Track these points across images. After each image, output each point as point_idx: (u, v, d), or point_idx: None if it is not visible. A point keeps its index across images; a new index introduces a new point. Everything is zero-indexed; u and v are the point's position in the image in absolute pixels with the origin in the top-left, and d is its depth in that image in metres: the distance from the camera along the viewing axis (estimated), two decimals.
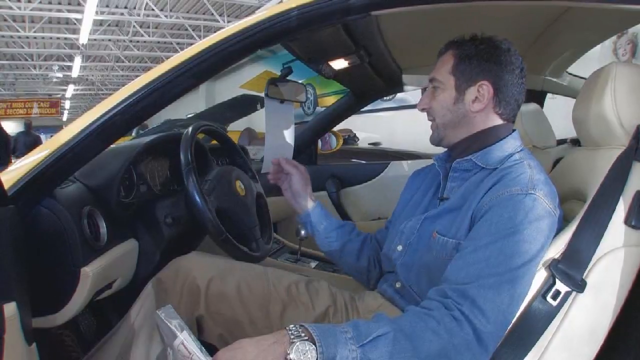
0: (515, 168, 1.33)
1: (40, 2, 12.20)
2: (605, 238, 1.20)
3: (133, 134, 8.22)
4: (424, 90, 1.65)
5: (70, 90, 25.10)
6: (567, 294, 1.18)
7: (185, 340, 1.06)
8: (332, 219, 1.81)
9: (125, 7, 13.40)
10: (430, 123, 1.52)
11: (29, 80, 23.26)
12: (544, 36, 2.16)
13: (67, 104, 28.72)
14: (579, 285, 1.18)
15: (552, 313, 1.19)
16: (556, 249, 1.23)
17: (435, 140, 1.53)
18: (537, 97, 2.84)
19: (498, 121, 1.45)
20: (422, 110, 1.53)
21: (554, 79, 2.79)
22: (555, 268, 1.19)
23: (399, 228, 1.56)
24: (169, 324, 1.10)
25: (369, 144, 10.09)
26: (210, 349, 1.12)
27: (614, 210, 1.21)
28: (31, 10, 12.39)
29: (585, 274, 1.19)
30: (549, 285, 1.19)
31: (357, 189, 3.17)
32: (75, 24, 13.71)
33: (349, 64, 2.13)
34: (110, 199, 1.59)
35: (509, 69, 1.42)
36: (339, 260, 1.82)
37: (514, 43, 1.45)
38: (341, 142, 4.83)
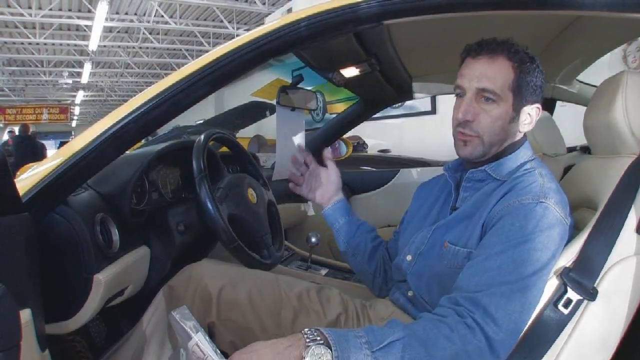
0: (527, 177, 1.33)
1: (50, 9, 12.26)
2: (617, 246, 1.20)
3: (142, 140, 8.21)
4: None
5: (80, 96, 25.18)
6: (579, 302, 1.18)
7: (200, 341, 1.07)
8: (354, 216, 1.82)
9: (135, 14, 13.46)
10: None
11: (39, 87, 23.34)
12: (555, 44, 2.16)
13: (76, 110, 28.80)
14: (591, 294, 1.18)
15: (564, 321, 1.19)
16: (567, 257, 1.23)
17: (477, 156, 1.41)
18: (547, 104, 2.83)
19: (521, 135, 1.46)
20: (466, 121, 1.38)
21: (564, 87, 2.77)
22: (567, 276, 1.19)
23: (409, 238, 1.55)
24: (184, 326, 1.10)
25: (378, 151, 10.05)
26: (222, 356, 1.12)
27: (625, 218, 1.21)
28: (42, 17, 12.45)
29: (596, 282, 1.19)
30: (560, 293, 1.19)
31: (367, 196, 3.16)
32: (85, 30, 13.77)
33: (359, 71, 2.14)
34: (123, 206, 1.60)
35: (542, 89, 1.43)
36: (350, 257, 1.81)
37: None
38: (351, 149, 4.80)
